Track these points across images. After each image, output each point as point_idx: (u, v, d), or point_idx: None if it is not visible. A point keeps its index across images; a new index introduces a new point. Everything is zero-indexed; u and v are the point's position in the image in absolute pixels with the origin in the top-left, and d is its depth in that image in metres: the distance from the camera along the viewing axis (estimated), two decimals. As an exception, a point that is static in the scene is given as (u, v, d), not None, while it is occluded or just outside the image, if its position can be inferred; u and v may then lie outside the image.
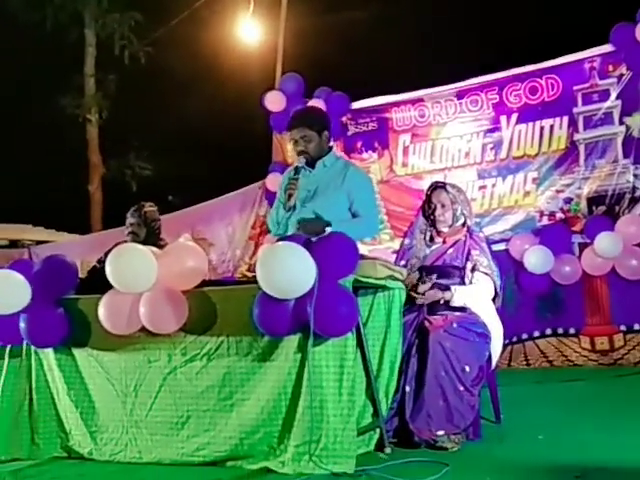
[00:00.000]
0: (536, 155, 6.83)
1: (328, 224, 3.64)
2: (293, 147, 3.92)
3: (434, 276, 3.72)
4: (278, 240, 3.23)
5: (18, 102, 13.06)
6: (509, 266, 6.34)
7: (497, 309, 3.81)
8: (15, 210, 12.45)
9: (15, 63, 12.61)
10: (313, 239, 3.11)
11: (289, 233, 3.74)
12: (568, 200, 6.62)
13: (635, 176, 6.34)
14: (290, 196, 3.73)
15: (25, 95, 13.27)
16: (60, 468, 3.40)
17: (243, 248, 8.22)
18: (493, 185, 7.01)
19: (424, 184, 7.15)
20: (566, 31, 10.16)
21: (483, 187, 7.04)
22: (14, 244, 11.83)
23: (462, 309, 3.66)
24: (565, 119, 6.71)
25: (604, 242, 6.06)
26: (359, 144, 7.78)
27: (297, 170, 3.79)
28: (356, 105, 7.79)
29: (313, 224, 3.66)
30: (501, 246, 6.47)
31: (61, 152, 13.46)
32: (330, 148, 3.95)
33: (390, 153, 7.59)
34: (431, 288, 3.68)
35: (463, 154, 7.20)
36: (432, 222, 3.93)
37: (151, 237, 4.78)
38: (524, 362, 6.53)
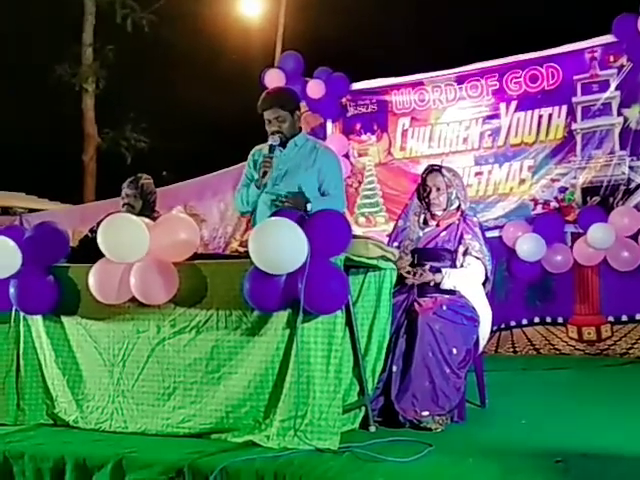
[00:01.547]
0: (533, 143, 6.81)
1: (308, 201, 3.73)
2: (267, 127, 3.94)
3: (427, 266, 3.73)
4: (271, 216, 3.24)
5: (14, 69, 12.93)
6: (502, 253, 6.35)
7: (487, 294, 3.83)
8: (8, 178, 12.38)
9: (13, 29, 12.48)
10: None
11: (259, 211, 3.82)
12: (563, 189, 6.63)
13: (631, 168, 6.33)
14: (265, 173, 3.75)
15: (22, 62, 13.14)
16: (45, 435, 3.41)
17: (235, 225, 8.20)
18: (489, 172, 6.99)
19: (421, 168, 7.15)
20: (568, 20, 10.12)
21: (479, 173, 7.03)
22: (5, 211, 11.77)
23: (452, 292, 3.68)
24: (564, 108, 6.69)
25: (597, 233, 6.07)
26: (358, 126, 7.74)
27: (271, 148, 3.82)
28: (356, 86, 7.74)
29: (298, 199, 3.73)
30: (495, 233, 6.47)
31: (56, 121, 13.36)
32: (300, 128, 4.02)
33: (389, 136, 7.56)
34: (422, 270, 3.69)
35: (461, 140, 7.17)
36: (426, 205, 3.93)
37: (146, 209, 4.76)
38: (511, 349, 6.58)
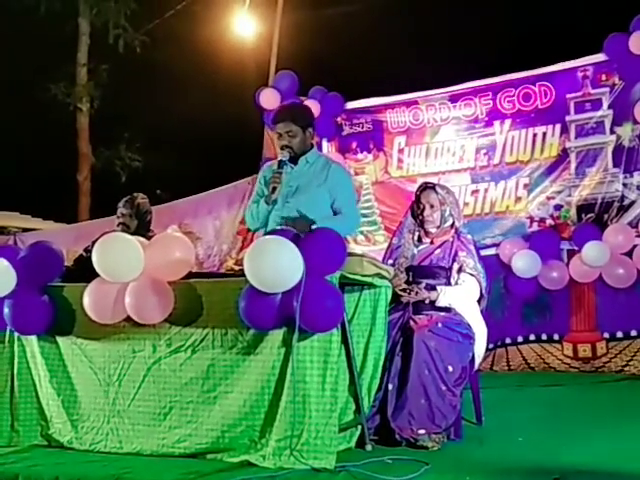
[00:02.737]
0: (528, 161, 6.85)
1: (313, 222, 3.66)
2: (277, 141, 3.93)
3: (422, 284, 3.73)
4: (266, 235, 3.24)
5: (8, 88, 12.95)
6: (498, 270, 6.37)
7: (482, 311, 3.83)
8: (2, 197, 12.36)
9: (7, 49, 12.52)
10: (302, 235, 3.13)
11: (269, 228, 3.76)
12: (558, 207, 6.66)
13: (624, 185, 6.38)
14: (274, 189, 3.73)
15: (16, 82, 13.17)
16: (39, 456, 3.37)
17: (230, 243, 8.19)
18: (486, 190, 7.03)
19: (418, 187, 7.18)
20: (560, 39, 10.21)
21: (476, 192, 7.06)
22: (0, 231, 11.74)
23: (447, 309, 3.68)
24: (557, 127, 6.74)
25: (592, 251, 6.09)
26: (354, 144, 7.78)
27: (280, 164, 3.80)
28: (351, 105, 7.79)
29: (299, 223, 3.67)
30: (492, 251, 6.50)
31: (51, 140, 13.37)
32: (312, 145, 3.97)
33: (385, 154, 7.60)
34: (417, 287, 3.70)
35: (457, 158, 7.20)
36: (420, 222, 3.94)
37: (142, 229, 4.74)
38: (506, 367, 6.57)
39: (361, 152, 7.72)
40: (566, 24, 11.43)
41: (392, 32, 12.94)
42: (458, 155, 7.20)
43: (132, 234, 4.11)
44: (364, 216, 7.57)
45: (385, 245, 7.16)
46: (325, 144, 7.88)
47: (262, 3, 10.95)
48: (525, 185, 6.83)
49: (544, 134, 6.81)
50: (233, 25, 11.10)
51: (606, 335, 6.25)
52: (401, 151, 7.51)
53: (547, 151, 6.78)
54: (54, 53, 12.84)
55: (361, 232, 7.58)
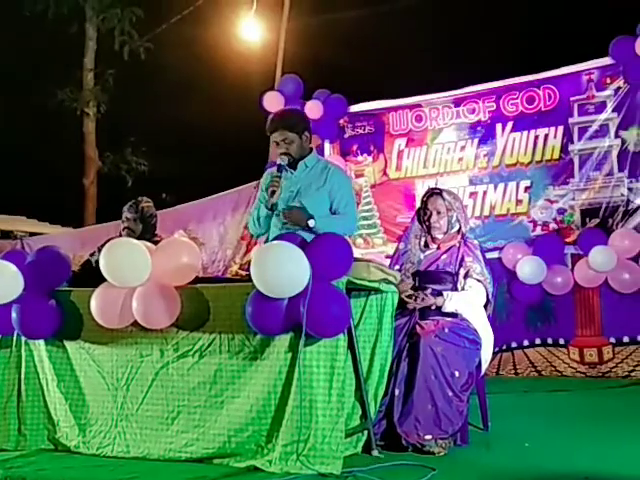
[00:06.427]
0: (529, 163, 6.82)
1: (311, 217, 3.71)
2: (275, 148, 3.95)
3: (429, 290, 3.73)
4: (272, 240, 3.25)
5: (16, 93, 13.01)
6: (502, 275, 6.36)
7: (488, 316, 3.83)
8: (9, 201, 12.40)
9: (15, 53, 12.58)
10: (302, 233, 3.14)
11: (271, 233, 3.80)
12: (562, 211, 6.64)
13: (629, 189, 6.36)
14: (273, 193, 3.76)
15: (23, 86, 13.24)
16: (46, 460, 3.39)
17: (234, 248, 8.20)
18: (484, 192, 7.00)
19: (416, 189, 7.19)
20: (565, 42, 10.21)
21: (474, 194, 7.03)
22: (6, 235, 11.77)
23: (454, 315, 3.68)
24: (560, 129, 6.70)
25: (599, 257, 6.08)
26: (355, 147, 7.78)
27: (280, 168, 3.83)
28: (354, 108, 7.80)
29: (298, 213, 3.73)
30: (494, 254, 6.48)
31: (57, 145, 13.42)
32: (311, 149, 4.00)
33: (385, 156, 7.59)
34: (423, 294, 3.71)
35: (456, 160, 7.19)
36: (427, 228, 3.95)
37: (147, 233, 4.76)
38: (512, 371, 6.56)
39: (361, 154, 7.72)
40: (571, 27, 11.43)
41: (396, 36, 12.96)
42: (457, 157, 7.18)
43: (137, 238, 4.13)
44: (364, 219, 7.58)
45: (384, 248, 7.23)
46: (327, 146, 7.88)
47: (268, 8, 10.98)
48: (526, 188, 6.80)
49: (546, 136, 6.77)
50: (239, 30, 11.14)
51: (612, 340, 6.24)
52: (401, 153, 7.49)
53: (549, 153, 6.74)
54: (61, 58, 12.90)
55: (360, 235, 7.58)
